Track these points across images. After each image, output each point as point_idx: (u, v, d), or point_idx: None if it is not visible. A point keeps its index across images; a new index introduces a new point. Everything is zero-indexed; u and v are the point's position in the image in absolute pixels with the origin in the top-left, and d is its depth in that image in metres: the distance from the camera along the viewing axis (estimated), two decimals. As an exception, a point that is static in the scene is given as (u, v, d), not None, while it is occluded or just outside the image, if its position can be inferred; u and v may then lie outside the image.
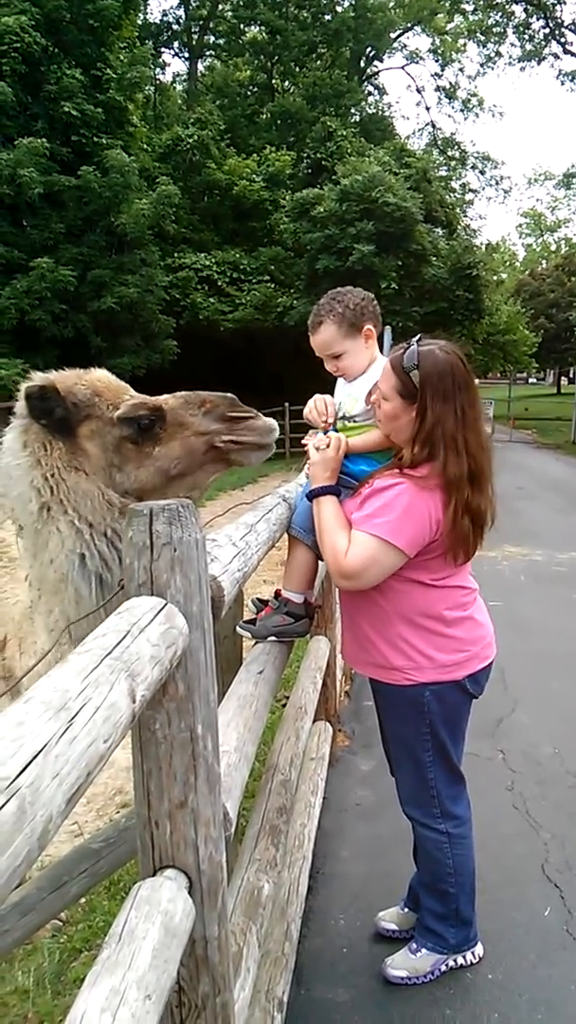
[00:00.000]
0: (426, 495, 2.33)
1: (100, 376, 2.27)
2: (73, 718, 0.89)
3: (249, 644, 2.73)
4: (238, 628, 2.70)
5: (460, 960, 2.85)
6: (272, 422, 2.37)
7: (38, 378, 2.16)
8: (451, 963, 2.84)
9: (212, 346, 27.73)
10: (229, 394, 2.34)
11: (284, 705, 3.71)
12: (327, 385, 2.78)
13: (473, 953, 2.87)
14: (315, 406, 2.69)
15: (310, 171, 31.09)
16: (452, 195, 38.03)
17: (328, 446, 2.54)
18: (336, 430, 2.64)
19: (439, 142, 47.92)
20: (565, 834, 3.69)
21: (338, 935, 3.10)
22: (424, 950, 2.82)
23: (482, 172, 49.90)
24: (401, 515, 2.32)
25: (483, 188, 51.80)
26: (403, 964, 2.83)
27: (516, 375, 44.97)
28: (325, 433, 2.61)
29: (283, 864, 2.77)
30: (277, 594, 2.73)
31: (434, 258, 27.41)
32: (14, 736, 0.80)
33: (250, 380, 25.27)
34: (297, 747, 3.06)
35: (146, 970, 1.07)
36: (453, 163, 47.27)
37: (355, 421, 2.61)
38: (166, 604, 1.29)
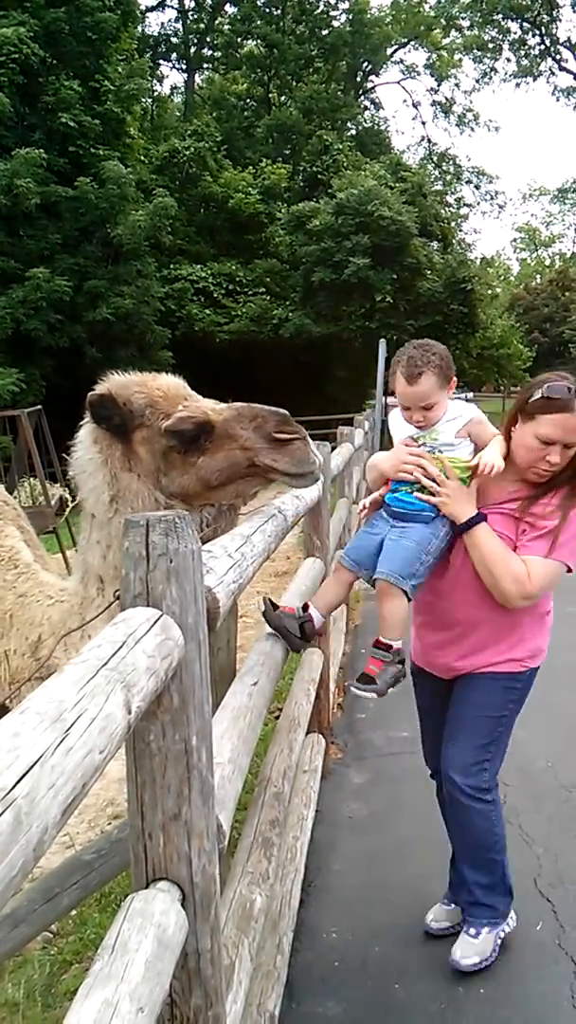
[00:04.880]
0: None
1: (161, 384, 2.35)
2: (69, 729, 0.89)
3: (242, 655, 2.72)
4: (355, 691, 2.67)
5: (506, 928, 2.94)
6: (310, 452, 2.36)
7: (101, 386, 2.30)
8: (500, 934, 2.92)
9: (207, 357, 27.75)
10: (282, 410, 2.36)
11: (277, 717, 3.70)
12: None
13: (508, 924, 2.97)
14: (412, 460, 2.67)
15: (306, 184, 31.27)
16: (447, 209, 38.22)
17: (447, 476, 2.59)
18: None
19: (434, 156, 48.16)
20: (558, 848, 3.68)
21: (330, 948, 3.08)
22: (483, 931, 2.87)
23: (477, 187, 50.21)
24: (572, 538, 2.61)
25: (478, 203, 51.67)
26: (470, 951, 2.85)
27: (510, 389, 45.09)
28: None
29: (275, 877, 2.76)
30: (379, 645, 2.68)
31: (429, 272, 27.58)
32: (10, 747, 0.80)
33: (245, 391, 25.12)
34: (290, 759, 3.05)
35: (139, 982, 1.06)
36: (448, 177, 47.54)
37: (443, 451, 2.66)
38: (162, 615, 1.29)
